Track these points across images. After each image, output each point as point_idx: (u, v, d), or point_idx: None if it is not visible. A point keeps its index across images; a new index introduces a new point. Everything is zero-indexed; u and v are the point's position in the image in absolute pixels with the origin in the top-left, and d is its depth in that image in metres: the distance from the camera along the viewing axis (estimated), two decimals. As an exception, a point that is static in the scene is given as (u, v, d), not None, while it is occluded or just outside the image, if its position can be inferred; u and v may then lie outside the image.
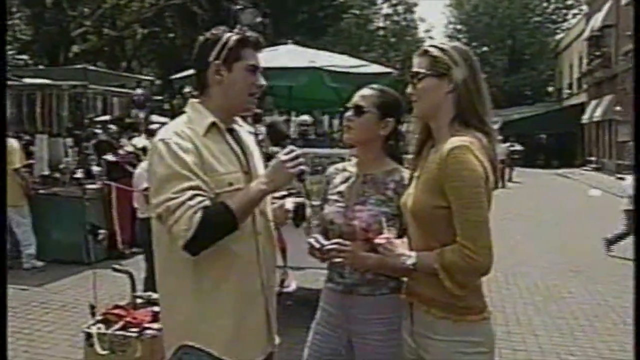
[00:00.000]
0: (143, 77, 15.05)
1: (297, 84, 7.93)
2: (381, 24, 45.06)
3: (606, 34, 27.98)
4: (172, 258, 2.10)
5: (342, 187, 2.51)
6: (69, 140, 9.13)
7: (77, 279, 6.86)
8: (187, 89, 9.15)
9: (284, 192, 2.38)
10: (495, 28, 47.57)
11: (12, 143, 7.30)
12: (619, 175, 19.28)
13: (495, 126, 2.16)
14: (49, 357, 4.76)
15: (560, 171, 28.86)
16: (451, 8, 51.49)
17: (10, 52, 18.72)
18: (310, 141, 9.06)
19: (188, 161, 2.00)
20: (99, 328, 3.81)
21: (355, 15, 36.17)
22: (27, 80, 9.57)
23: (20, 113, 8.71)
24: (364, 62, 8.60)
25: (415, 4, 46.20)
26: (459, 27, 50.78)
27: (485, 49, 47.45)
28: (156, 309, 3.70)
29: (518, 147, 24.61)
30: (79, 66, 12.46)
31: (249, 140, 2.31)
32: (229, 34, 2.15)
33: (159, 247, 2.16)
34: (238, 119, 2.31)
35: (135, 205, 5.99)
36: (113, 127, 9.77)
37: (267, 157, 2.45)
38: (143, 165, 5.66)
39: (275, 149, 5.45)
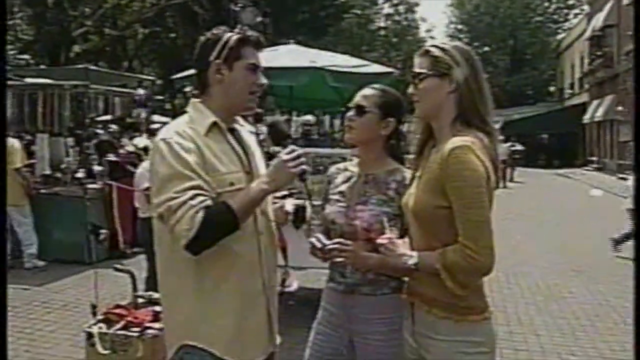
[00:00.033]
0: (144, 76, 15.06)
1: (298, 83, 7.93)
2: (382, 24, 45.08)
3: (607, 34, 27.96)
4: (173, 258, 2.10)
5: (343, 187, 2.51)
6: (70, 140, 9.13)
7: (78, 278, 6.86)
8: (188, 89, 9.16)
9: (285, 192, 2.38)
10: (496, 28, 47.55)
11: (14, 143, 7.31)
12: (621, 175, 19.29)
13: (497, 126, 2.16)
14: (50, 357, 4.76)
15: (561, 171, 28.83)
16: (452, 8, 51.52)
17: (12, 52, 18.73)
18: (313, 141, 9.08)
19: (190, 161, 2.00)
20: (100, 328, 3.82)
21: (356, 15, 36.16)
22: (29, 80, 9.57)
23: (21, 113, 8.73)
24: (365, 62, 8.61)
25: (417, 4, 46.25)
26: (460, 27, 50.77)
27: (486, 48, 47.40)
28: (157, 308, 3.71)
29: (519, 147, 24.58)
30: (80, 66, 12.45)
31: (250, 140, 2.31)
32: (229, 34, 2.15)
33: (160, 246, 2.16)
34: (239, 118, 2.31)
35: (137, 204, 6.00)
36: (114, 126, 9.77)
37: (269, 157, 2.45)
38: (144, 165, 5.67)
39: (276, 148, 5.44)
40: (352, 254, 2.25)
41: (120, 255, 7.52)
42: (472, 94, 2.06)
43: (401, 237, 2.22)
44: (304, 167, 2.10)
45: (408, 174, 2.34)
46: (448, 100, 2.07)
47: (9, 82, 8.79)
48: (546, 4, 48.99)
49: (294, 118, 11.47)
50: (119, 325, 3.83)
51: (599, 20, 28.24)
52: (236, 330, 2.12)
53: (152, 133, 7.65)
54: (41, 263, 7.50)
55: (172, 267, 2.13)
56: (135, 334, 3.72)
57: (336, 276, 2.47)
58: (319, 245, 2.29)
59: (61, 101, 8.71)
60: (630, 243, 8.45)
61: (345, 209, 2.44)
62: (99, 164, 8.58)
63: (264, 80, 2.21)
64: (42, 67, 18.55)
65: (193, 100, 2.22)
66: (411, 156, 2.29)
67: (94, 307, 4.14)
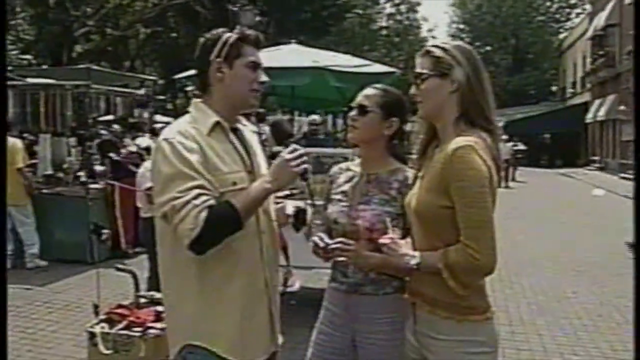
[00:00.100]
0: (146, 76, 15.05)
1: (300, 83, 7.94)
2: (384, 24, 45.04)
3: (609, 33, 27.95)
4: (175, 257, 2.10)
5: (346, 187, 2.51)
6: (73, 140, 9.13)
7: (80, 278, 6.86)
8: (190, 88, 9.18)
9: (287, 192, 2.38)
10: (498, 27, 47.49)
11: (16, 142, 7.32)
12: (623, 175, 19.26)
13: (499, 125, 2.16)
14: (52, 357, 4.77)
15: (563, 171, 28.81)
16: (454, 7, 51.48)
17: (13, 52, 18.71)
18: (319, 140, 9.08)
19: (192, 160, 2.01)
20: (102, 327, 3.82)
21: (358, 15, 36.15)
22: (31, 80, 9.57)
23: (23, 113, 8.74)
24: (367, 62, 8.61)
25: (418, 4, 46.21)
26: (462, 26, 50.73)
27: (488, 48, 47.35)
28: (159, 308, 3.72)
29: (521, 147, 24.56)
30: (82, 66, 12.45)
31: (253, 140, 2.31)
32: (229, 33, 2.16)
33: (163, 246, 2.16)
34: (242, 118, 2.31)
35: (139, 204, 6.00)
36: (116, 126, 9.78)
37: (271, 156, 2.45)
38: (146, 164, 5.66)
39: (278, 148, 5.45)
40: (354, 254, 2.25)
41: (122, 255, 7.52)
42: (474, 93, 2.06)
43: (403, 237, 2.22)
44: (306, 166, 2.10)
45: (410, 173, 2.34)
46: (450, 100, 2.07)
47: (11, 82, 8.81)
48: (548, 4, 48.94)
49: (296, 118, 11.48)
50: (121, 325, 3.83)
51: (601, 19, 28.22)
52: (238, 330, 2.12)
53: (154, 133, 7.68)
54: (43, 263, 7.51)
55: (174, 267, 2.13)
56: (138, 334, 3.72)
57: (338, 276, 2.47)
58: (321, 244, 2.28)
59: (63, 101, 8.72)
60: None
61: (348, 208, 2.44)
62: (101, 164, 8.59)
63: (264, 78, 2.21)
64: (44, 67, 18.57)
65: (195, 100, 2.22)
66: (414, 156, 2.29)
67: (96, 307, 4.15)
